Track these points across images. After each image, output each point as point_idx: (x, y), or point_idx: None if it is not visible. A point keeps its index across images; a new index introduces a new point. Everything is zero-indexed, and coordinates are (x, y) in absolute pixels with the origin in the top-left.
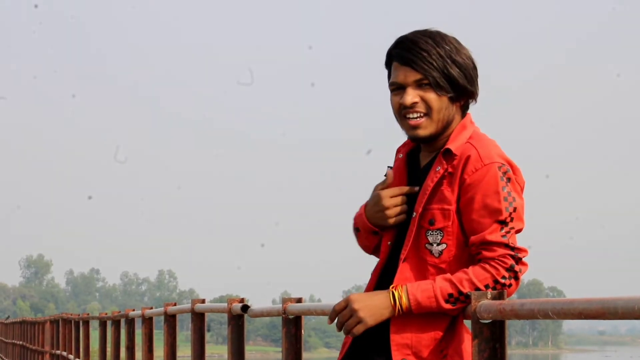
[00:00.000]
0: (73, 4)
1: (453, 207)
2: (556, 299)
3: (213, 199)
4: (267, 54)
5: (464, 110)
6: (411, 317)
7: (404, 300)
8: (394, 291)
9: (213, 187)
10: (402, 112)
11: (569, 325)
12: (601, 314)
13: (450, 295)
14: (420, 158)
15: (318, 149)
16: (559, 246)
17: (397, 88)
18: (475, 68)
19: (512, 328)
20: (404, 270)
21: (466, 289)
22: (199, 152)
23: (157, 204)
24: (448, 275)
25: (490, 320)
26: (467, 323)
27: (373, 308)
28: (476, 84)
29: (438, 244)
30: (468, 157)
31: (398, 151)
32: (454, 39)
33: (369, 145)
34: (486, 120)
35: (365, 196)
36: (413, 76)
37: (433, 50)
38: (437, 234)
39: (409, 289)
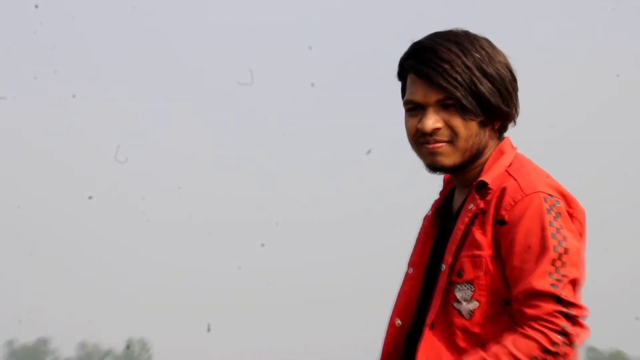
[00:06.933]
0: (73, 4)
1: (486, 253)
2: None
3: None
4: (267, 54)
5: (500, 132)
6: None
7: None
8: None
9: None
10: (419, 139)
11: None
12: None
13: None
14: (454, 200)
15: (318, 149)
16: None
17: (414, 107)
18: (514, 80)
19: None
20: (430, 339)
21: None
22: (199, 152)
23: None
24: (479, 352)
25: None
26: None
27: None
28: (514, 101)
29: (468, 301)
30: (504, 189)
31: (429, 209)
32: (486, 41)
33: (369, 145)
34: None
35: (364, 198)
36: (434, 95)
37: (458, 60)
38: (467, 288)
39: None
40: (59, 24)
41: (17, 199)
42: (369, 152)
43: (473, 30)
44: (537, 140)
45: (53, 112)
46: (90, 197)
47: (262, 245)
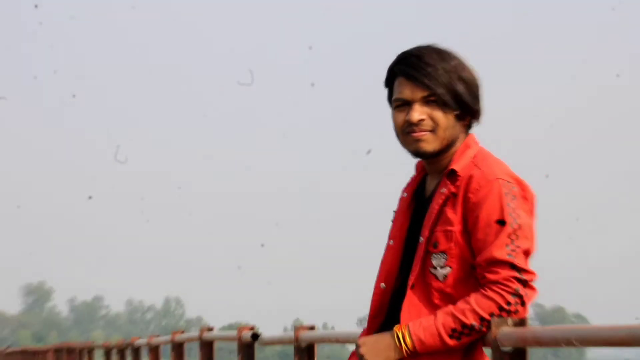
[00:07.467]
0: (73, 4)
1: (456, 229)
2: (580, 325)
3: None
4: (267, 54)
5: (467, 129)
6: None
7: (408, 340)
8: (397, 332)
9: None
10: (406, 130)
11: (593, 353)
12: (627, 341)
13: (454, 330)
14: (427, 185)
15: (318, 149)
16: (583, 271)
17: (402, 104)
18: (479, 87)
19: (534, 356)
20: (411, 297)
21: (470, 320)
22: (199, 152)
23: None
24: (450, 307)
25: (511, 348)
26: (487, 351)
27: (379, 351)
28: (480, 104)
29: (442, 267)
30: (471, 177)
31: (402, 191)
32: (459, 55)
33: (369, 145)
34: (486, 120)
35: (363, 198)
36: (420, 92)
37: (439, 65)
38: (441, 257)
39: (411, 328)
40: (59, 24)
41: (17, 199)
42: (369, 152)
43: (472, 26)
44: (538, 138)
45: (53, 112)
46: (90, 197)
47: (262, 245)
